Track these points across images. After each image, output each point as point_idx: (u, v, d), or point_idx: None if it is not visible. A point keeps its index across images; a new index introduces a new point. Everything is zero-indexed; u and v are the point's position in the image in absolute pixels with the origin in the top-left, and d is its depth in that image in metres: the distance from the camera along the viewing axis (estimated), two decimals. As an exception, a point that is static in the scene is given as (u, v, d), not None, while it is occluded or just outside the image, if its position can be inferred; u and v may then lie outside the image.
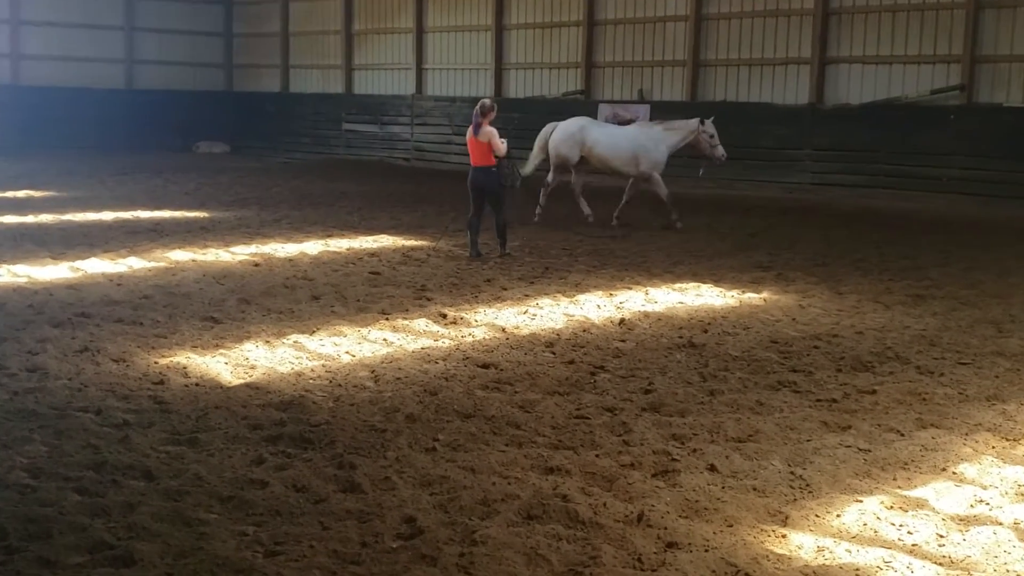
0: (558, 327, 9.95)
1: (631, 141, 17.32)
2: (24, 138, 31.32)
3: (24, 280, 11.66)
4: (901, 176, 21.24)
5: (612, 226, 17.02)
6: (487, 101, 14.09)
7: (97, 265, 12.77)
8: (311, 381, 7.85)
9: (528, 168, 17.85)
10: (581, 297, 11.38)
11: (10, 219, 16.91)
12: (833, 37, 22.49)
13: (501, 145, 13.66)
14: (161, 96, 34.66)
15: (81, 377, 7.77)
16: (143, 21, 35.02)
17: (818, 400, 7.58)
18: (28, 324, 9.40)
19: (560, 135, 17.73)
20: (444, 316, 10.25)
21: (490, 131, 13.66)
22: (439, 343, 9.21)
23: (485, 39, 29.25)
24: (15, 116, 31.76)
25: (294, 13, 34.97)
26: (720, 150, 16.79)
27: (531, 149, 18.19)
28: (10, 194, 20.76)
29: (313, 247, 14.72)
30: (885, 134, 21.31)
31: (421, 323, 9.94)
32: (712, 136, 16.77)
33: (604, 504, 5.47)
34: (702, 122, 16.81)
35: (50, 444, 6.27)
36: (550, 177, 17.96)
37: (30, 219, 17.02)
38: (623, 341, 9.42)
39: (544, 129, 18.03)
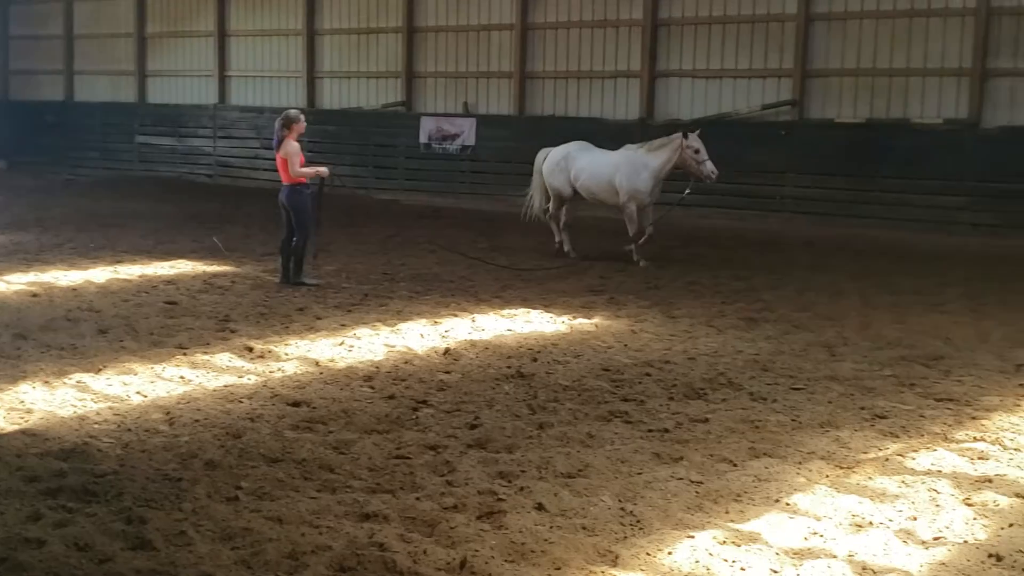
0: (378, 359, 9.91)
1: (611, 167, 16.60)
2: None
3: None
4: (735, 195, 22.08)
5: (640, 266, 15.95)
6: (292, 112, 13.95)
7: None
8: (96, 426, 7.56)
9: (535, 206, 17.43)
10: (403, 326, 11.38)
11: None
12: (663, 50, 23.27)
13: (297, 166, 13.45)
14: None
15: None
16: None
17: (650, 430, 7.79)
18: None
19: (549, 165, 17.24)
20: (250, 350, 10.06)
21: (291, 149, 13.49)
22: (244, 380, 9.03)
23: (295, 45, 28.96)
24: None
25: (79, 14, 33.75)
26: (708, 167, 15.79)
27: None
28: None
29: (100, 274, 14.20)
30: (717, 151, 22.08)
31: (224, 358, 9.72)
32: (697, 151, 15.79)
33: (424, 551, 5.46)
34: (685, 136, 15.87)
35: None
36: (550, 207, 17.35)
37: None
38: (448, 373, 9.46)
39: (537, 157, 17.57)
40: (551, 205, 17.30)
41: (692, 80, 22.96)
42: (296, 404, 8.32)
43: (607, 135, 23.57)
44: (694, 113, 22.79)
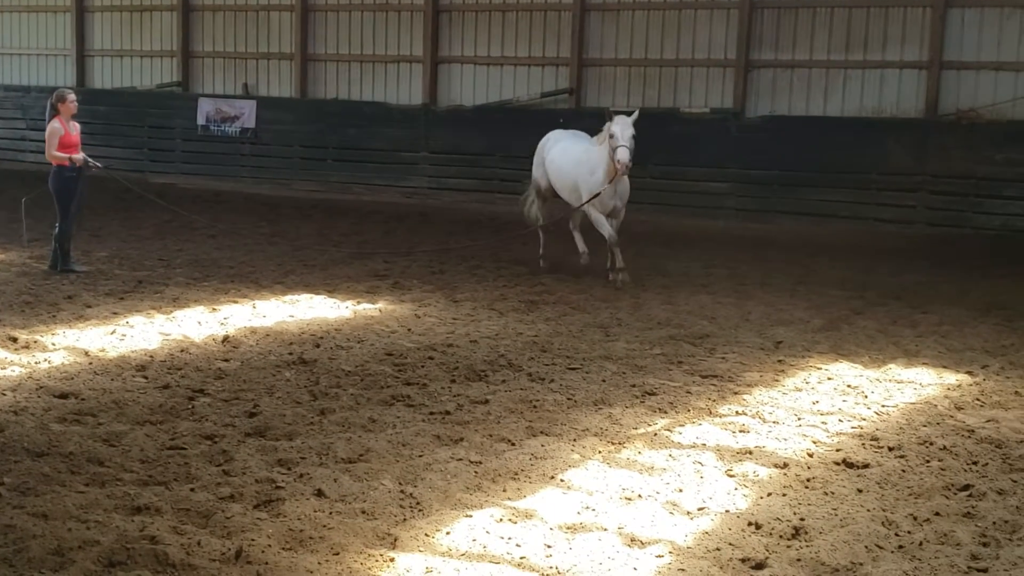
0: (152, 348, 9.58)
1: (575, 164, 14.14)
2: None
3: None
4: (513, 180, 22.40)
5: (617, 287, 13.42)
6: (60, 90, 13.39)
7: None
8: None
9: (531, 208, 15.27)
10: (179, 313, 11.03)
11: None
12: (444, 36, 23.33)
13: (53, 149, 12.89)
14: None
15: None
16: None
17: (431, 413, 7.83)
18: None
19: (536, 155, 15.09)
20: (14, 340, 9.54)
21: (50, 129, 13.00)
22: (7, 371, 8.56)
23: (64, 21, 27.54)
24: None
25: None
26: (619, 153, 12.92)
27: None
28: None
29: None
30: (499, 138, 22.40)
31: (-15, 346, 9.19)
32: (612, 136, 13.03)
33: (198, 543, 5.32)
34: (609, 117, 13.36)
35: None
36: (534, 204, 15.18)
37: None
38: (227, 361, 9.24)
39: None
40: (533, 199, 15.17)
41: (474, 66, 23.13)
42: (63, 396, 7.96)
43: (391, 121, 23.54)
44: (476, 99, 22.98)
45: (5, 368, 8.64)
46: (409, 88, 23.70)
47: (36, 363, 8.89)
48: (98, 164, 13.46)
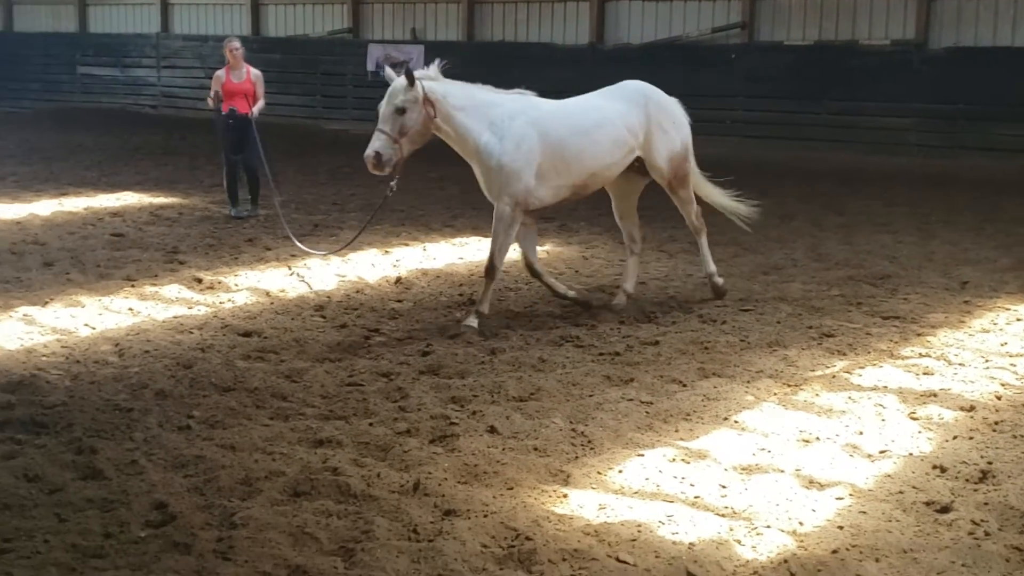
0: (329, 289, 9.87)
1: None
2: None
3: None
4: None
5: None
6: (228, 39, 13.93)
7: None
8: (44, 358, 7.49)
9: None
10: (354, 255, 11.33)
11: None
12: (612, -27, 23.08)
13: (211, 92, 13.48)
14: None
15: None
16: None
17: (601, 354, 7.85)
18: None
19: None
20: (199, 281, 9.98)
21: (214, 76, 13.63)
22: (194, 311, 8.97)
23: (239, -29, 28.41)
24: None
25: (15, -60, 32.84)
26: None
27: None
28: None
29: (45, 207, 13.97)
30: (668, 75, 21.94)
31: (173, 289, 9.65)
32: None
33: (378, 475, 5.49)
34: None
35: None
36: None
37: None
38: (400, 301, 9.46)
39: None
40: None
41: (643, 3, 22.80)
42: (247, 334, 8.29)
43: (556, 61, 23.46)
44: (644, 37, 22.68)
45: (192, 308, 9.06)
46: (576, 27, 23.55)
47: (220, 303, 9.28)
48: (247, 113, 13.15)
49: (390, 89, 8.34)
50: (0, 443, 5.87)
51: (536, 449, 5.93)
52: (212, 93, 13.36)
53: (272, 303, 9.32)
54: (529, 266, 9.11)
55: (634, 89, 9.17)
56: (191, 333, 8.29)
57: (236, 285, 9.92)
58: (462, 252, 11.71)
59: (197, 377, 7.13)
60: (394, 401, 6.78)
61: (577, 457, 5.84)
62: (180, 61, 29.18)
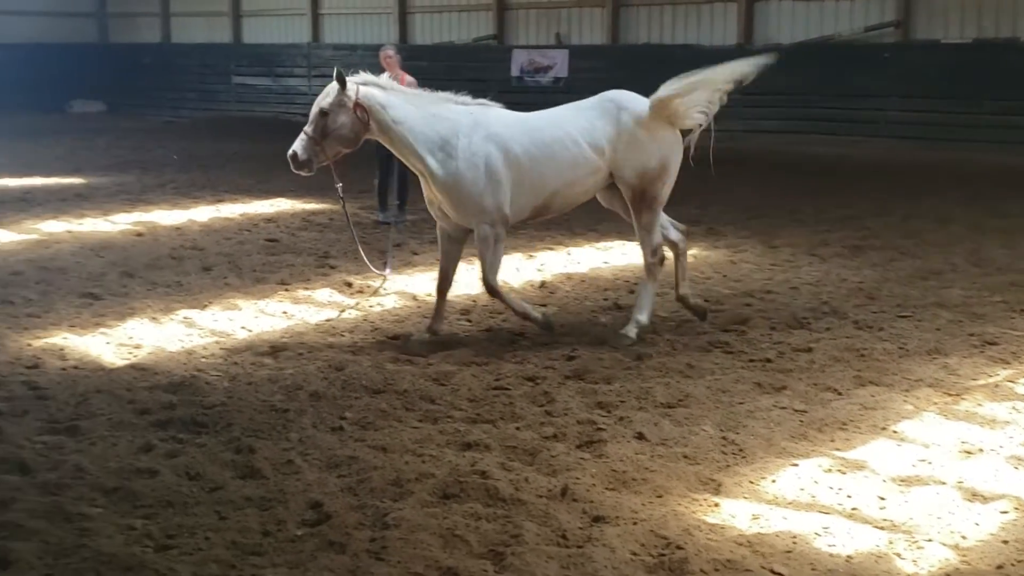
0: (474, 293, 9.96)
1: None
2: None
3: None
4: (836, 120, 21.58)
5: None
6: (384, 47, 14.17)
7: (-41, 240, 12.41)
8: (204, 360, 7.75)
9: None
10: (498, 259, 11.39)
11: None
12: (761, -28, 22.73)
13: None
14: (27, 50, 33.56)
15: (-57, 364, 7.56)
16: (2, -34, 33.91)
17: (751, 360, 7.72)
18: None
19: None
20: (350, 285, 10.19)
21: None
22: (345, 314, 9.16)
23: (387, -20, 28.96)
24: None
25: (174, -44, 34.17)
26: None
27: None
28: None
29: (202, 214, 14.49)
30: (819, 76, 21.62)
31: (324, 293, 9.88)
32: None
33: (526, 479, 5.51)
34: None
35: (-90, 439, 6.11)
36: None
37: None
38: (544, 306, 9.48)
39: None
40: None
41: (793, 3, 22.38)
42: (396, 337, 8.42)
43: (702, 63, 23.18)
44: (795, 37, 22.26)
45: (343, 311, 9.26)
46: (724, 29, 23.26)
47: (370, 307, 9.46)
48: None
49: (324, 90, 8.19)
50: (163, 442, 6.10)
51: (686, 457, 5.86)
52: None
53: (419, 307, 9.46)
54: (442, 280, 8.48)
55: (608, 99, 8.41)
56: (342, 336, 8.48)
57: (385, 289, 10.09)
58: (607, 256, 11.68)
59: (349, 379, 7.27)
60: (540, 405, 6.79)
61: (728, 466, 5.75)
62: (330, 70, 29.83)
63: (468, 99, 8.29)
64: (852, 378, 7.26)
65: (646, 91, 8.69)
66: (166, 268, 10.96)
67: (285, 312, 9.20)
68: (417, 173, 8.23)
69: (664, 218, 8.75)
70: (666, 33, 24.09)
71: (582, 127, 8.20)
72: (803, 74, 21.85)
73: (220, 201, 15.54)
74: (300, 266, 11.10)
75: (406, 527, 4.94)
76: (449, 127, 8.01)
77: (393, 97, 8.09)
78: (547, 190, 8.17)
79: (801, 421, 6.42)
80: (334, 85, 8.06)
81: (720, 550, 4.75)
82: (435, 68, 26.91)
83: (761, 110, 22.79)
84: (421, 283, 10.32)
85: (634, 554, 4.73)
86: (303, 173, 8.21)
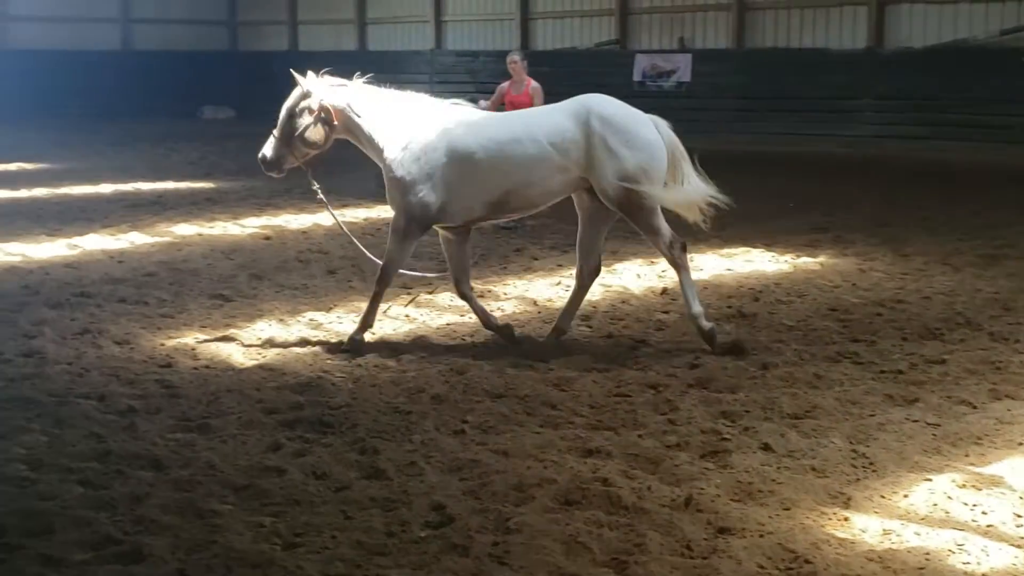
0: (594, 299, 9.93)
1: None
2: (13, 106, 31.39)
3: (18, 259, 11.78)
4: (970, 126, 20.96)
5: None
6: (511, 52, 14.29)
7: (96, 241, 12.88)
8: (329, 361, 7.89)
9: None
10: (619, 266, 11.36)
11: (1, 194, 17.07)
12: (893, -25, 22.23)
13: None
14: (160, 58, 34.73)
15: (82, 361, 7.85)
16: (138, -24, 35.15)
17: (882, 372, 7.53)
18: (24, 306, 9.50)
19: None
20: (471, 290, 10.24)
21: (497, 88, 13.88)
22: (465, 318, 9.22)
23: (509, -14, 29.15)
24: (2, 83, 31.90)
25: (301, -35, 34.95)
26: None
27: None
28: (0, 167, 20.94)
29: (328, 218, 14.73)
30: (952, 80, 21.05)
31: (446, 297, 9.96)
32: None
33: (649, 488, 5.47)
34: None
35: (50, 434, 6.34)
36: None
37: (23, 193, 17.18)
38: (666, 313, 9.41)
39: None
40: None
41: (925, 6, 21.83)
42: (516, 342, 8.45)
43: (832, 67, 22.77)
44: (927, 41, 21.71)
45: (463, 315, 9.32)
46: (853, 31, 22.81)
47: (490, 311, 9.49)
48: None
49: (291, 93, 8.36)
50: (291, 441, 6.23)
51: (814, 469, 5.75)
52: (486, 104, 13.72)
53: (539, 312, 9.48)
54: (456, 286, 8.54)
55: (579, 102, 8.17)
56: (463, 340, 8.54)
57: (505, 294, 10.14)
58: (730, 264, 11.53)
59: (470, 383, 7.32)
60: (663, 414, 6.74)
61: (858, 479, 5.62)
62: (452, 76, 30.21)
63: (435, 99, 8.44)
64: (987, 391, 7.02)
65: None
66: (293, 271, 11.20)
67: (407, 316, 9.31)
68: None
69: (600, 245, 8.64)
70: (793, 36, 23.72)
71: (546, 128, 8.06)
72: (935, 78, 21.31)
73: (344, 206, 15.79)
74: (421, 270, 11.21)
75: (528, 532, 4.94)
76: (410, 126, 8.17)
77: (358, 97, 8.34)
78: (501, 188, 8.10)
79: (934, 435, 6.24)
80: (299, 88, 8.35)
81: (850, 565, 4.64)
82: (557, 74, 26.96)
83: (890, 115, 22.31)
84: (540, 289, 10.34)
85: (761, 567, 4.66)
86: (273, 175, 8.59)
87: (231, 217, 14.75)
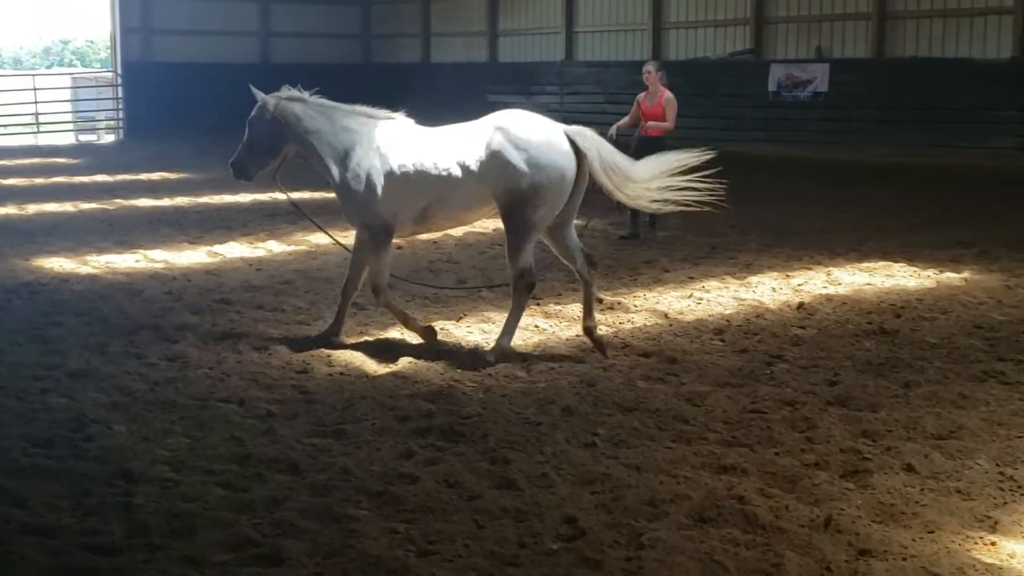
0: (728, 312, 9.82)
1: None
2: (155, 117, 32.54)
3: (161, 266, 12.20)
4: None
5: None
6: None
7: (236, 249, 13.26)
8: (459, 371, 7.95)
9: None
10: (753, 279, 11.21)
11: (145, 202, 17.72)
12: (1043, -20, 21.46)
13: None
14: (297, 70, 35.34)
15: (223, 366, 8.07)
16: (277, -9, 36.07)
17: (1032, 393, 7.27)
18: (166, 311, 9.82)
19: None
20: (600, 301, 10.22)
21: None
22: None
23: (641, -2, 29.05)
24: (145, 94, 33.07)
25: (435, -22, 35.45)
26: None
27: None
28: (143, 176, 21.73)
29: (458, 228, 14.86)
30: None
31: (575, 308, 9.95)
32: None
33: (786, 507, 5.37)
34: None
35: (192, 436, 6.54)
36: None
37: (165, 202, 17.80)
38: (803, 328, 9.24)
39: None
40: None
41: (1075, 13, 21.03)
42: (647, 355, 8.40)
43: (975, 77, 22.06)
44: (1078, 48, 20.89)
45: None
46: (997, 41, 22.09)
47: (620, 323, 9.47)
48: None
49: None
50: (423, 449, 6.30)
51: (959, 491, 5.57)
52: (625, 120, 13.76)
53: (671, 325, 9.40)
54: (345, 286, 8.91)
55: (494, 116, 8.38)
56: (593, 352, 8.51)
57: (635, 306, 10.09)
58: (870, 278, 11.27)
59: (600, 395, 7.30)
60: (800, 431, 6.61)
61: (1006, 503, 5.43)
62: (582, 87, 30.23)
63: (379, 112, 8.75)
64: None
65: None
66: (424, 280, 11.32)
67: (536, 326, 9.33)
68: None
69: (574, 243, 8.60)
70: (935, 46, 23.08)
71: (457, 144, 8.31)
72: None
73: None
74: (551, 280, 11.23)
75: (662, 548, 4.90)
76: (351, 139, 8.52)
77: (308, 111, 8.73)
78: (419, 204, 8.41)
79: (1090, 460, 5.99)
80: (259, 101, 8.86)
81: (999, 593, 4.48)
82: (689, 84, 26.76)
83: (1038, 126, 21.51)
84: (671, 301, 10.26)
85: (904, 592, 4.53)
86: (242, 180, 9.19)
87: (364, 226, 14.99)
